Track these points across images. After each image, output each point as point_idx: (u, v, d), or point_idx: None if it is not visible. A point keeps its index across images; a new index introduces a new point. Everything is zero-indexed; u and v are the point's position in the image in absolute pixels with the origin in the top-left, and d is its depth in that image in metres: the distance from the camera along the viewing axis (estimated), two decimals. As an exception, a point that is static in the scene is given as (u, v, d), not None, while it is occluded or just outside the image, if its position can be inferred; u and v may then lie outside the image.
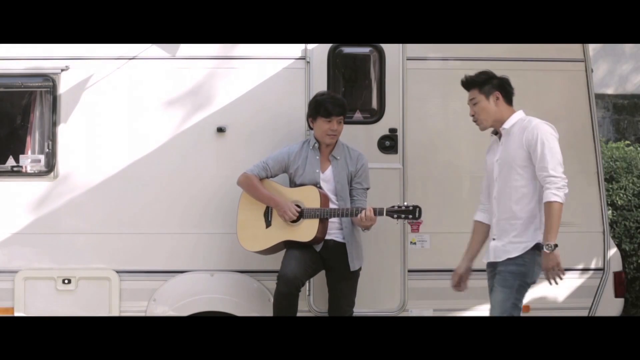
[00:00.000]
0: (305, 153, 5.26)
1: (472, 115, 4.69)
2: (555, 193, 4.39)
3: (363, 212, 5.01)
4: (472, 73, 4.72)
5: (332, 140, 5.24)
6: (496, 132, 4.67)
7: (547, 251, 4.40)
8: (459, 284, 4.74)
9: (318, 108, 5.19)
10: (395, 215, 5.01)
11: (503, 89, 4.65)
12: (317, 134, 5.25)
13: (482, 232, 4.76)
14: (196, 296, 5.38)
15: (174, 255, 5.41)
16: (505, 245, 4.52)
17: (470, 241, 4.80)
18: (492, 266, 4.62)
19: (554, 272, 4.42)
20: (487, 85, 4.63)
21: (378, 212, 5.02)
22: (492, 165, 4.66)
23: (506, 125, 4.60)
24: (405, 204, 5.05)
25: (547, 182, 4.41)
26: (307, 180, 5.23)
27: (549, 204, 4.40)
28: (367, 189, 5.30)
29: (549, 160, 4.43)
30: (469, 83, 4.68)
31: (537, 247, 4.50)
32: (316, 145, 5.27)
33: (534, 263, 4.50)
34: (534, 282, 4.56)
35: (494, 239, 4.61)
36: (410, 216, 4.99)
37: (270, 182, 5.27)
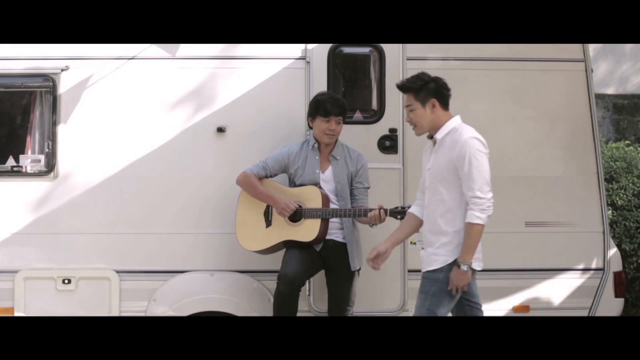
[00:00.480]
0: (305, 153, 5.26)
1: (409, 121, 4.65)
2: (478, 215, 4.34)
3: (373, 212, 5.00)
4: (408, 77, 4.66)
5: (330, 140, 5.24)
6: (431, 137, 4.61)
7: (461, 270, 4.37)
8: (375, 259, 4.63)
9: (317, 107, 5.20)
10: (399, 217, 5.01)
11: (439, 94, 4.57)
12: (316, 133, 5.26)
13: (412, 225, 4.72)
14: (196, 296, 5.38)
15: (173, 255, 5.41)
16: (429, 256, 4.51)
17: (398, 227, 4.78)
18: None
19: (459, 287, 4.41)
20: (423, 92, 4.55)
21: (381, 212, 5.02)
22: (425, 172, 4.64)
23: (438, 135, 4.53)
24: (409, 204, 5.05)
25: (471, 203, 4.36)
26: (307, 180, 5.23)
27: (470, 225, 4.36)
28: (368, 188, 5.30)
29: (475, 179, 4.34)
30: (404, 88, 4.63)
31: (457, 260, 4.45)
32: (315, 145, 5.27)
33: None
34: (457, 290, 4.47)
35: (422, 248, 4.63)
36: None
37: (271, 181, 5.27)
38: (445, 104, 4.59)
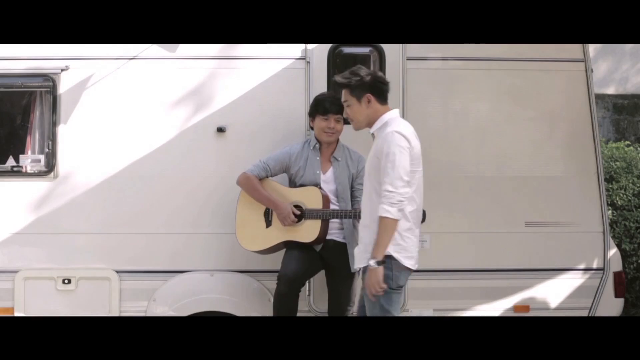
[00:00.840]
0: (306, 154, 5.26)
1: (346, 117, 4.60)
2: (387, 209, 4.27)
3: None
4: (343, 73, 4.61)
5: (330, 139, 5.23)
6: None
7: (371, 266, 4.30)
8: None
9: (317, 106, 5.22)
10: None
11: (375, 88, 4.51)
12: (316, 132, 5.26)
13: None
14: (196, 296, 5.38)
15: (173, 255, 5.41)
16: (360, 253, 4.46)
17: None
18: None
19: (374, 289, 4.30)
20: (358, 87, 4.51)
21: None
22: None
23: (372, 129, 4.52)
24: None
25: (382, 196, 4.30)
26: (307, 181, 5.23)
27: (380, 219, 4.29)
28: None
29: (389, 173, 4.29)
30: (339, 85, 4.59)
31: (392, 257, 4.37)
32: (317, 145, 5.28)
33: (391, 268, 4.36)
34: (401, 285, 4.44)
35: (357, 245, 4.58)
36: None
37: (271, 182, 5.27)
38: (382, 98, 4.54)
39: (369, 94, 4.51)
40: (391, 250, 4.35)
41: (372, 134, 4.56)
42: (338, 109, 5.17)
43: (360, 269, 4.51)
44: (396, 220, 4.29)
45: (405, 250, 4.39)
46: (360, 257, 4.47)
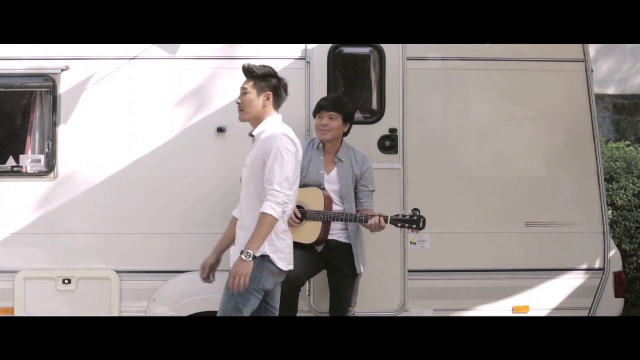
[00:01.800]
0: (311, 153, 5.27)
1: (238, 103, 4.59)
2: (273, 207, 4.29)
3: (372, 220, 5.00)
4: (255, 63, 4.62)
5: (324, 136, 5.23)
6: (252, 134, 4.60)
7: (243, 258, 4.27)
8: (208, 276, 4.66)
9: (315, 107, 5.26)
10: (399, 224, 5.01)
11: (276, 91, 4.57)
12: (315, 131, 5.27)
13: (234, 228, 4.67)
14: (196, 296, 5.37)
15: (174, 255, 5.41)
16: (237, 253, 4.44)
17: (223, 235, 4.75)
18: None
19: (239, 281, 4.27)
20: (264, 81, 4.55)
21: (382, 219, 5.02)
22: (243, 169, 4.60)
23: (255, 131, 4.54)
24: (410, 213, 5.04)
25: (269, 194, 4.31)
26: (311, 180, 5.23)
27: (262, 214, 4.28)
28: (373, 191, 5.30)
29: (276, 174, 4.33)
30: (248, 71, 4.59)
31: (266, 257, 4.40)
32: (320, 145, 5.28)
33: (261, 269, 4.38)
34: (263, 288, 4.44)
35: (234, 244, 4.58)
36: (414, 226, 4.99)
37: None
38: (277, 104, 4.59)
39: (270, 92, 4.56)
40: (267, 249, 4.38)
41: (252, 136, 4.56)
42: (330, 105, 5.18)
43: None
44: (277, 220, 4.32)
45: (280, 251, 4.44)
46: (233, 257, 4.48)
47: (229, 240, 4.70)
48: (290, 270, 5.01)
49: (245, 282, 4.27)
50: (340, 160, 5.28)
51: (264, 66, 4.59)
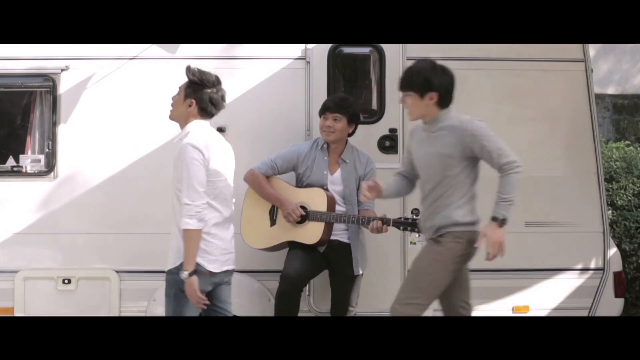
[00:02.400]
0: (315, 154, 5.27)
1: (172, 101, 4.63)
2: (187, 221, 4.32)
3: (372, 224, 5.00)
4: (198, 68, 4.58)
5: (328, 138, 5.23)
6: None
7: (182, 277, 4.33)
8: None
9: (320, 107, 5.25)
10: (402, 227, 5.01)
11: (201, 103, 4.51)
12: (320, 131, 5.26)
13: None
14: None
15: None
16: (168, 255, 4.49)
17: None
18: None
19: (194, 300, 4.33)
20: (193, 89, 4.51)
21: (384, 222, 5.02)
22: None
23: (177, 138, 4.58)
24: (412, 216, 5.04)
25: (182, 209, 4.36)
26: (314, 181, 5.23)
27: (184, 231, 4.34)
28: None
29: (184, 188, 4.36)
30: (190, 75, 4.55)
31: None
32: (325, 146, 5.27)
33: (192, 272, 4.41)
34: (201, 291, 4.44)
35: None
36: (417, 229, 4.99)
37: (278, 180, 5.27)
38: (204, 112, 4.53)
39: (193, 100, 4.52)
40: None
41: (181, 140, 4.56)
42: (334, 106, 5.17)
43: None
44: (199, 230, 4.33)
45: (208, 254, 4.42)
46: (167, 261, 4.49)
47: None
48: (292, 271, 5.02)
49: (199, 298, 4.33)
50: (344, 161, 5.28)
51: (200, 73, 4.54)
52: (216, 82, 4.56)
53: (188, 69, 4.54)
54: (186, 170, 4.36)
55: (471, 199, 4.50)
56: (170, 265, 4.44)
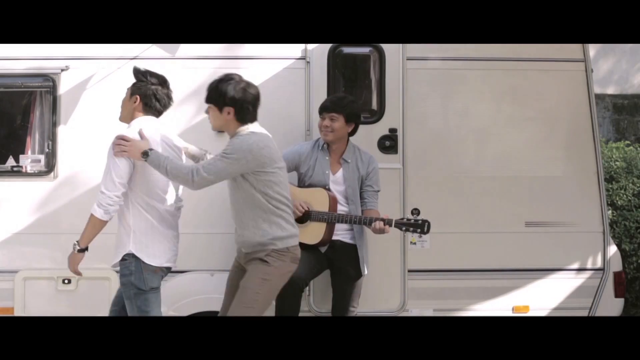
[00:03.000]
0: (316, 154, 5.27)
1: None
2: (95, 208, 4.51)
3: (374, 225, 5.01)
4: (143, 68, 4.77)
5: (326, 138, 5.23)
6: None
7: (72, 249, 4.59)
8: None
9: (319, 107, 5.25)
10: (404, 228, 5.01)
11: (145, 98, 4.69)
12: (319, 132, 5.27)
13: None
14: (196, 296, 5.37)
15: (174, 255, 5.40)
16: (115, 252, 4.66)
17: None
18: None
19: (71, 268, 4.60)
20: (139, 86, 4.69)
21: (386, 222, 5.02)
22: None
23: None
24: (415, 217, 5.05)
25: (96, 196, 4.55)
26: (316, 181, 5.23)
27: (90, 215, 4.54)
28: (378, 191, 5.30)
29: (104, 176, 4.54)
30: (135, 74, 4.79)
31: (136, 257, 4.55)
32: (325, 146, 5.27)
33: (141, 270, 4.54)
34: (153, 286, 4.57)
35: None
36: (419, 230, 4.99)
37: None
38: (148, 107, 4.69)
39: (137, 97, 4.68)
40: (132, 248, 4.55)
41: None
42: (331, 106, 5.18)
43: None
44: (102, 221, 4.52)
45: (148, 247, 4.55)
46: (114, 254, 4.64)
47: None
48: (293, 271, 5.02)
49: (74, 270, 4.60)
50: (345, 161, 5.28)
51: (147, 71, 4.71)
52: (162, 81, 4.74)
53: (134, 68, 4.72)
54: (107, 163, 4.53)
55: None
56: (116, 259, 4.60)
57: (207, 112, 4.68)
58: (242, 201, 4.60)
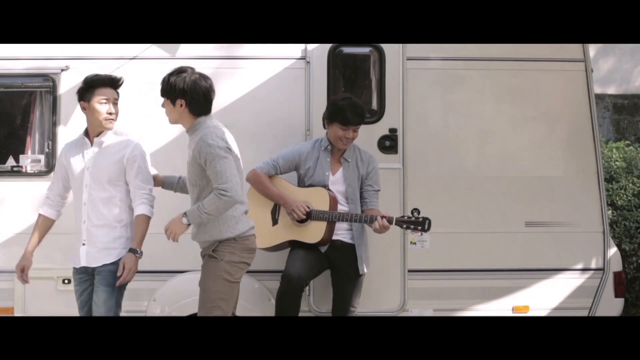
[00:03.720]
0: (317, 154, 5.26)
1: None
2: (150, 209, 4.74)
3: (376, 223, 5.01)
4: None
5: (345, 147, 5.23)
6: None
7: (135, 258, 4.72)
8: (23, 274, 4.82)
9: (337, 114, 5.15)
10: (405, 226, 5.01)
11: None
12: (331, 137, 5.23)
13: (46, 227, 4.90)
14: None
15: (174, 255, 5.40)
16: (102, 250, 4.68)
17: (32, 234, 4.89)
18: (85, 271, 4.72)
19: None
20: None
21: (387, 220, 5.02)
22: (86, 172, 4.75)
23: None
24: (415, 214, 5.05)
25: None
26: (316, 181, 5.23)
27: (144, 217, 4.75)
28: (378, 190, 5.30)
29: (141, 181, 4.75)
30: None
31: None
32: (329, 147, 5.27)
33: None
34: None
35: (84, 244, 4.70)
36: (420, 227, 4.99)
37: (281, 179, 5.27)
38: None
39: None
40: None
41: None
42: (359, 120, 5.15)
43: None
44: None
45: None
46: (102, 255, 4.68)
47: (37, 239, 4.92)
48: (293, 270, 5.02)
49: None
50: (346, 160, 5.28)
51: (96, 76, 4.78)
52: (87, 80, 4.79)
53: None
54: (144, 163, 4.82)
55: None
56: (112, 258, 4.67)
57: (163, 105, 4.70)
58: (205, 193, 4.62)
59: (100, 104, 4.71)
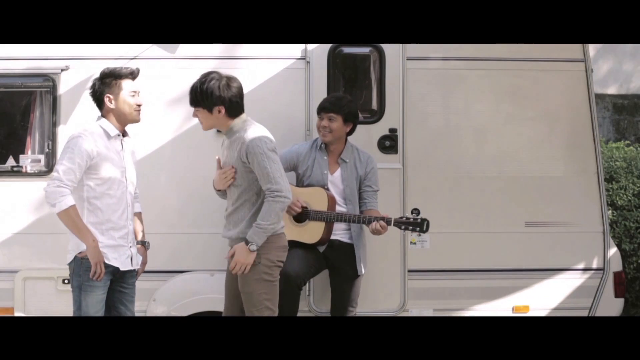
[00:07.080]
0: (314, 154, 5.27)
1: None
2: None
3: (374, 224, 5.01)
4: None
5: (325, 138, 5.23)
6: None
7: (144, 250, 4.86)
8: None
9: (317, 107, 5.25)
10: (403, 227, 5.02)
11: (97, 101, 4.69)
12: (317, 132, 5.27)
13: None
14: (196, 296, 5.37)
15: (174, 255, 5.40)
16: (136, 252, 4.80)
17: None
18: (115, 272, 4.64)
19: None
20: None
21: (386, 221, 5.02)
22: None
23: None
24: (414, 215, 5.05)
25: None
26: (314, 181, 5.23)
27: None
28: (377, 191, 5.30)
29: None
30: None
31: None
32: (323, 145, 5.27)
33: (80, 270, 4.50)
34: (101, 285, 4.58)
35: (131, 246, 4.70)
36: (418, 229, 4.99)
37: None
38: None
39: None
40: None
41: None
42: (331, 107, 5.17)
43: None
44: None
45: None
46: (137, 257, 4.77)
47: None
48: (291, 270, 5.02)
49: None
50: (344, 161, 5.28)
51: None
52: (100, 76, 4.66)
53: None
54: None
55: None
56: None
57: (195, 115, 4.65)
58: (245, 195, 4.58)
59: (131, 97, 4.64)
